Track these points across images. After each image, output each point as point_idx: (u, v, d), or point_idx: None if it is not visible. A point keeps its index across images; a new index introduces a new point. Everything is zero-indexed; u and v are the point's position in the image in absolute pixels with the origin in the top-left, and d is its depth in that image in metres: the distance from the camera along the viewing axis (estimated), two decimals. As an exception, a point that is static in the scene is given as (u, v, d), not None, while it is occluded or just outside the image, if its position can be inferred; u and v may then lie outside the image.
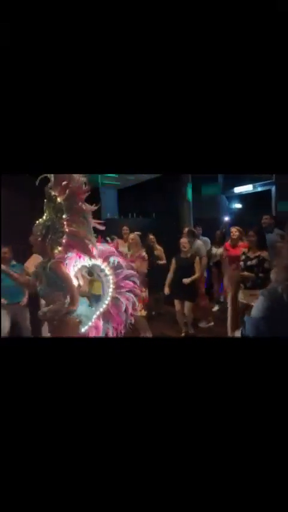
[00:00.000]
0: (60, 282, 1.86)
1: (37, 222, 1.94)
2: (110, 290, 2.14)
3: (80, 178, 1.92)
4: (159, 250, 4.78)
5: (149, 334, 3.55)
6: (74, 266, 2.01)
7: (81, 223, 1.93)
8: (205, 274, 4.88)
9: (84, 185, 1.93)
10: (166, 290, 4.07)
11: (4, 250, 3.25)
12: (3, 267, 2.14)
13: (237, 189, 9.04)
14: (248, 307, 2.98)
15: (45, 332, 2.17)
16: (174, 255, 4.15)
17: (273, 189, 7.98)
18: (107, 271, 2.15)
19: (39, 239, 1.92)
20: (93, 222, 2.02)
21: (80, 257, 2.01)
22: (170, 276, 4.08)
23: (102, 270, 2.15)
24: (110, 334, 2.10)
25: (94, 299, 2.20)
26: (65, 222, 1.91)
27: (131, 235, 4.00)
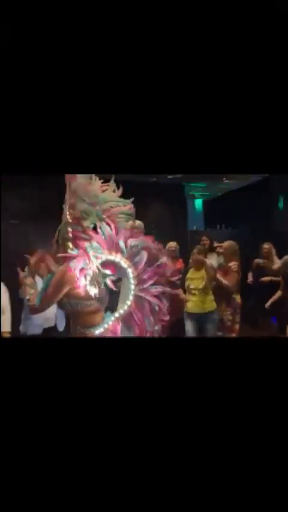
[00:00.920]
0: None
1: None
2: (132, 287, 1.62)
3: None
4: (276, 263, 3.77)
5: None
6: (86, 274, 1.60)
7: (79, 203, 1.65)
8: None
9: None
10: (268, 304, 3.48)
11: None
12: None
13: None
14: None
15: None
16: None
17: None
18: (123, 263, 1.61)
19: (55, 246, 1.73)
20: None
21: (88, 259, 1.59)
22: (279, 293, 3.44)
23: (118, 265, 1.63)
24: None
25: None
26: (67, 212, 1.68)
27: (226, 243, 3.50)
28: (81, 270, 1.57)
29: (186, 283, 3.26)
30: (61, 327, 3.21)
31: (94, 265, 1.59)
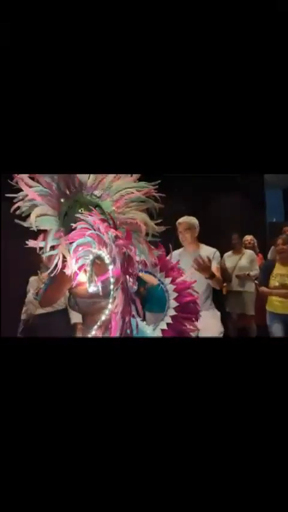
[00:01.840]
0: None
1: None
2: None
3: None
4: None
5: None
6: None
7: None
8: None
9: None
10: None
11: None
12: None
13: None
14: None
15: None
16: None
17: None
18: (107, 259, 1.44)
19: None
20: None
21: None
22: None
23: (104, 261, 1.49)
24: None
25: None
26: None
27: None
28: (81, 266, 1.45)
29: (272, 280, 2.76)
30: None
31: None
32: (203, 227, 2.57)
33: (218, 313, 2.36)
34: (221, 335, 2.26)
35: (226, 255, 3.67)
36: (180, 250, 2.54)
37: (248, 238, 3.80)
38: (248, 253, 3.64)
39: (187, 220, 2.49)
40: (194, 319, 1.61)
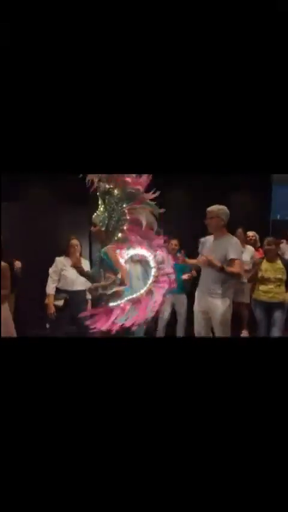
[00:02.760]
0: (111, 264, 2.03)
1: (95, 214, 2.11)
2: (149, 282, 2.16)
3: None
4: None
5: None
6: (127, 254, 2.16)
7: (142, 209, 2.11)
8: None
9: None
10: None
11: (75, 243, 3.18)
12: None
13: None
14: None
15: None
16: None
17: None
18: (152, 263, 2.19)
19: (102, 229, 2.09)
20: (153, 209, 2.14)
21: (132, 245, 2.16)
22: None
23: (148, 262, 2.21)
24: (129, 320, 2.02)
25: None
26: (126, 210, 2.09)
27: None
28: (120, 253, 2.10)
29: (260, 273, 3.22)
30: None
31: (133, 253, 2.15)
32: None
33: (228, 301, 2.61)
34: (225, 319, 2.58)
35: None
36: (208, 237, 2.78)
37: (250, 234, 4.00)
38: (249, 249, 3.89)
39: (211, 209, 2.71)
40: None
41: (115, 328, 1.88)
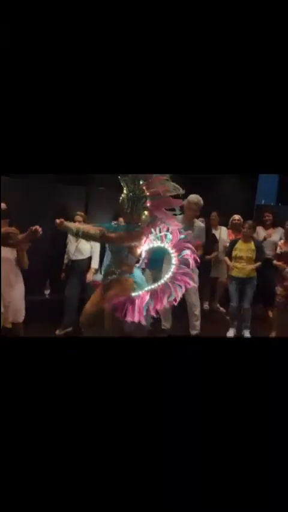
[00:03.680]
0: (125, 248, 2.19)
1: (121, 198, 2.16)
2: (167, 276, 2.25)
3: None
4: None
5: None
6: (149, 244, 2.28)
7: (159, 183, 2.08)
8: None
9: None
10: None
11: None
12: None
13: None
14: None
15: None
16: None
17: None
18: (174, 261, 2.25)
19: (128, 211, 2.14)
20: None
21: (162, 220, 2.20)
22: None
23: (170, 259, 2.29)
24: (150, 311, 2.20)
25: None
26: (144, 187, 2.09)
27: None
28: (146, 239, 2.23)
29: (234, 251, 3.65)
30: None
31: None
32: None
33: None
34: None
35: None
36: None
37: (236, 217, 4.44)
38: (223, 229, 4.53)
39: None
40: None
41: (142, 319, 2.04)
